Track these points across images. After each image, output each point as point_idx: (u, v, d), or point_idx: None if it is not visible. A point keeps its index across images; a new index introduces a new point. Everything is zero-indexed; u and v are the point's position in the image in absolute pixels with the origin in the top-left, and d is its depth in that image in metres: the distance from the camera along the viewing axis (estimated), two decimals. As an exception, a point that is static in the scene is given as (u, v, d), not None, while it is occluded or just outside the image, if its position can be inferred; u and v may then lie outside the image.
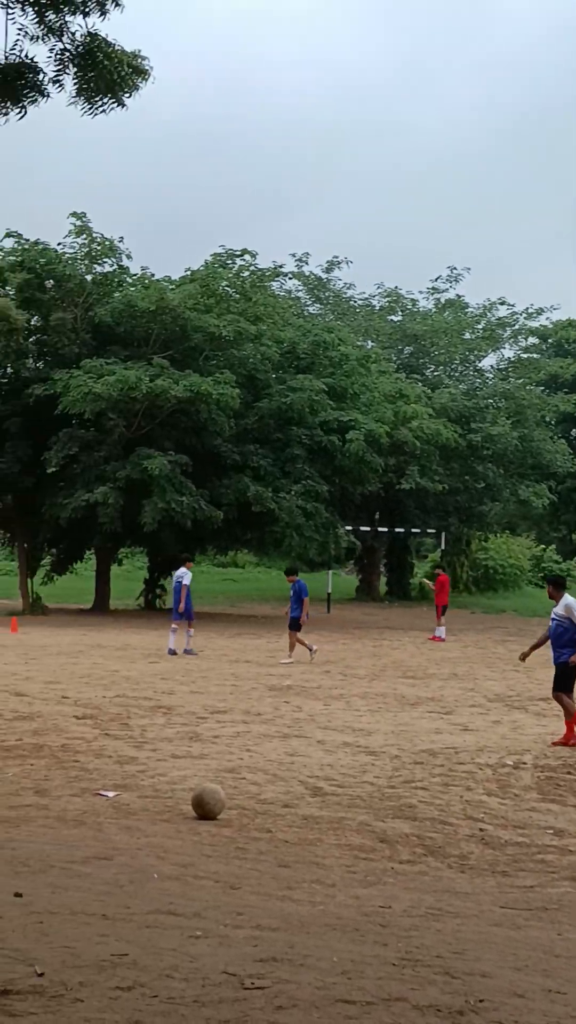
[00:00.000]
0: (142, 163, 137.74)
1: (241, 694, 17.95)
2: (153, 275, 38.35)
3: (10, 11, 7.73)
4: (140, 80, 8.19)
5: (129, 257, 38.42)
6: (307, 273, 50.78)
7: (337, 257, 51.45)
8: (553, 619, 14.27)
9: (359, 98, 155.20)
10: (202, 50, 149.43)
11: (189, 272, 38.77)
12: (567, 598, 14.20)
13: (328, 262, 51.40)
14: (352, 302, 52.21)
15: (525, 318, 51.86)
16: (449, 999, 5.28)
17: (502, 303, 51.05)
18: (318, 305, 52.01)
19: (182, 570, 25.68)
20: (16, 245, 36.79)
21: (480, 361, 52.13)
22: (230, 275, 38.43)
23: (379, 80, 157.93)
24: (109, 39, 7.95)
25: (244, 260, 38.63)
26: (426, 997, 5.28)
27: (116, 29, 7.98)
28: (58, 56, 8.00)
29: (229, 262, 38.79)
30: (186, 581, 25.08)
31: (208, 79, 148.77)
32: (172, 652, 24.10)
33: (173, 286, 37.31)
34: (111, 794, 10.20)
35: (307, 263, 49.95)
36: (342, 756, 12.71)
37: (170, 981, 5.47)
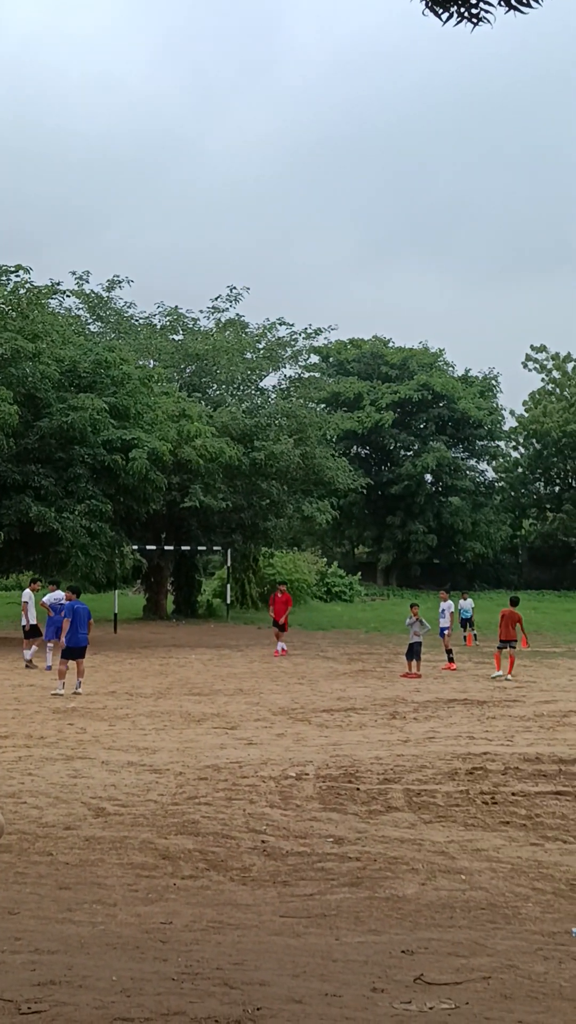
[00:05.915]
0: None
1: (24, 718, 17.61)
2: None
3: None
4: None
5: None
6: (88, 291, 50.34)
7: (118, 276, 51.22)
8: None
9: (147, 120, 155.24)
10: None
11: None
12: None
13: (109, 280, 51.06)
14: (133, 321, 52.02)
15: (304, 338, 52.81)
16: (227, 1009, 5.34)
17: (281, 323, 51.93)
18: (99, 324, 51.58)
19: None
20: None
21: (262, 380, 52.75)
22: (6, 292, 37.64)
23: (171, 103, 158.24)
24: None
25: (19, 277, 37.95)
26: (204, 1009, 5.32)
27: None
28: None
29: (3, 279, 38.01)
30: None
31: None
32: None
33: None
34: None
35: (87, 281, 49.53)
36: (126, 775, 12.64)
37: (-58, 1013, 5.33)
